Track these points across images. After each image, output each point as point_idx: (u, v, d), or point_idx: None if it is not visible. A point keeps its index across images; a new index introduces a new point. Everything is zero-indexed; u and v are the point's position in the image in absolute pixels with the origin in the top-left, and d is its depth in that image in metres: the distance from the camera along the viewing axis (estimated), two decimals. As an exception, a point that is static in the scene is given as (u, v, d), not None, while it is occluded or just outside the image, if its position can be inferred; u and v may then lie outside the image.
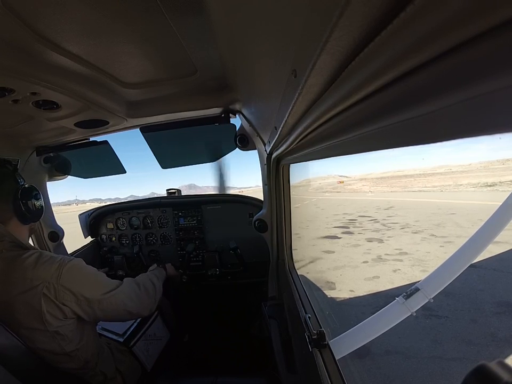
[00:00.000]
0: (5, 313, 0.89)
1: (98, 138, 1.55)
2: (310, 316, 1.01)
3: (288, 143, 0.79)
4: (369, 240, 6.73)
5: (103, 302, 0.99)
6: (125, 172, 1.78)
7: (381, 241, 6.53)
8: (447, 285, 1.45)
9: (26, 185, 1.07)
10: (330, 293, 3.89)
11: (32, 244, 1.29)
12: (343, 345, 1.49)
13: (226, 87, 1.15)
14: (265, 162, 1.38)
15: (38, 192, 1.12)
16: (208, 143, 1.64)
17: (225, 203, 1.95)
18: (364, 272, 4.57)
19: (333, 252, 5.91)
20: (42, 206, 1.13)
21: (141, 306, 1.12)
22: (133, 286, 1.14)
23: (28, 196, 1.05)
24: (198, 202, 1.97)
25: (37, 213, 1.10)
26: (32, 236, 1.74)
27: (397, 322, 1.51)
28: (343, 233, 7.90)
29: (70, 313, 0.95)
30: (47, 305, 0.90)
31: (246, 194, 2.12)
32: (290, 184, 1.45)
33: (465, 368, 2.27)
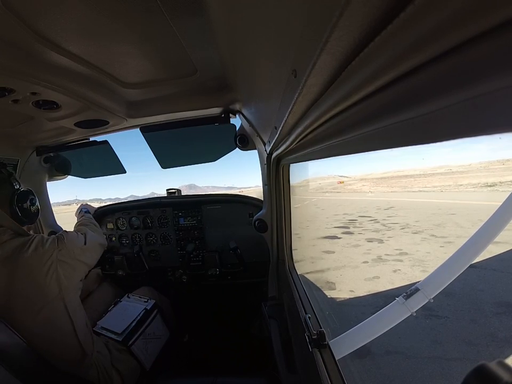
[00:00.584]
0: (14, 302, 0.94)
1: (98, 138, 1.55)
2: (310, 316, 1.01)
3: (288, 143, 0.79)
4: (369, 240, 6.73)
5: (90, 243, 1.28)
6: (125, 172, 1.79)
7: (381, 241, 6.53)
8: (447, 285, 1.45)
9: (22, 190, 1.10)
10: (330, 293, 3.89)
11: None
12: (343, 345, 1.49)
13: (226, 87, 1.15)
14: (265, 162, 1.38)
15: (34, 196, 1.16)
16: (208, 143, 1.64)
17: (225, 203, 1.94)
18: (364, 272, 4.57)
19: (333, 252, 5.91)
20: (38, 210, 1.18)
21: (102, 239, 1.51)
22: (88, 230, 1.41)
23: (23, 200, 1.09)
24: (198, 202, 1.97)
25: (33, 216, 1.15)
26: None
27: (397, 323, 1.51)
28: (343, 233, 7.89)
29: (80, 268, 1.18)
30: (63, 268, 1.07)
31: (246, 194, 2.12)
32: (290, 184, 1.45)
33: (465, 368, 2.27)
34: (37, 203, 1.18)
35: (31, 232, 1.24)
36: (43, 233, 1.77)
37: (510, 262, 4.20)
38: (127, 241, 2.07)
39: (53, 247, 1.06)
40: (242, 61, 0.72)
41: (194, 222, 1.96)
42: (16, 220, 1.06)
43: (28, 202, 1.11)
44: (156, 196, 2.35)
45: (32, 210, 1.14)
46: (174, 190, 2.16)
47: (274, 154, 1.21)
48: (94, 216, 2.05)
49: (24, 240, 1.03)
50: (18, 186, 1.11)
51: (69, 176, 1.84)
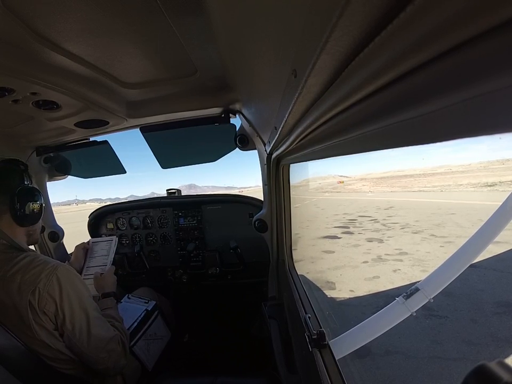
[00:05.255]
0: (2, 314, 0.89)
1: (98, 138, 1.55)
2: (310, 316, 1.01)
3: (288, 143, 0.79)
4: (369, 240, 6.73)
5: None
6: (125, 172, 1.78)
7: (381, 241, 6.53)
8: (447, 285, 1.45)
9: (30, 186, 1.05)
10: (330, 293, 3.89)
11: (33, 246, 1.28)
12: (343, 345, 1.49)
13: (226, 87, 1.15)
14: (265, 162, 1.38)
15: (40, 195, 1.08)
16: (208, 143, 1.64)
17: (225, 203, 1.95)
18: (364, 272, 4.57)
19: (333, 252, 5.91)
20: (39, 211, 1.07)
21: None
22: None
23: (27, 194, 1.03)
24: (198, 202, 1.97)
25: (32, 215, 1.04)
26: None
27: (397, 323, 1.51)
28: (343, 233, 7.90)
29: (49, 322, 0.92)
30: (33, 314, 0.88)
31: (246, 194, 2.12)
32: (290, 184, 1.45)
33: (465, 368, 2.27)
34: (40, 203, 1.08)
35: (33, 234, 1.14)
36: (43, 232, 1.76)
37: (510, 262, 4.20)
38: (127, 241, 2.07)
39: (31, 280, 0.88)
40: (242, 61, 0.72)
41: (194, 222, 1.97)
42: (13, 213, 0.97)
43: (31, 199, 1.03)
44: (156, 196, 2.36)
45: (32, 207, 1.03)
46: (174, 190, 2.16)
47: (274, 155, 1.21)
48: (94, 217, 2.06)
49: (13, 256, 0.93)
50: (27, 183, 1.05)
51: (69, 176, 1.84)
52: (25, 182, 1.05)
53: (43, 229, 1.74)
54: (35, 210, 1.05)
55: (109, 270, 1.37)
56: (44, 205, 1.11)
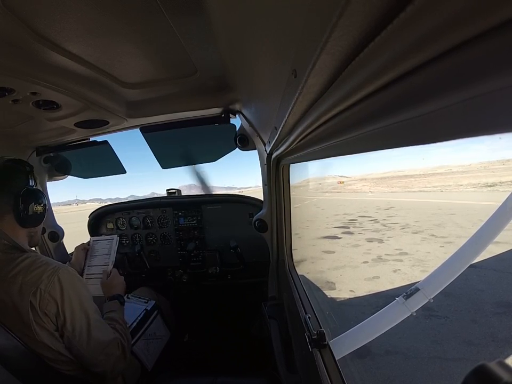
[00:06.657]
0: (2, 314, 0.89)
1: (98, 138, 1.55)
2: (310, 316, 1.01)
3: (288, 143, 0.79)
4: (369, 240, 6.73)
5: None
6: (125, 172, 1.78)
7: (381, 241, 6.53)
8: (447, 285, 1.45)
9: (34, 188, 1.05)
10: (330, 293, 3.89)
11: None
12: (343, 345, 1.49)
13: (226, 87, 1.15)
14: (265, 162, 1.38)
15: (43, 197, 1.08)
16: (208, 143, 1.64)
17: (225, 203, 1.95)
18: (364, 272, 4.57)
19: (333, 252, 5.91)
20: (42, 212, 1.08)
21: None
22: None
23: (31, 196, 1.02)
24: (198, 202, 1.97)
25: (34, 216, 1.04)
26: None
27: (397, 323, 1.51)
28: (343, 233, 7.90)
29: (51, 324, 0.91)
30: (34, 315, 0.88)
31: (246, 194, 2.12)
32: (290, 184, 1.45)
33: (465, 369, 2.27)
34: (44, 205, 1.08)
35: (35, 235, 1.13)
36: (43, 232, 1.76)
37: (510, 262, 4.20)
38: (127, 241, 2.07)
39: (33, 281, 0.89)
40: (242, 61, 0.72)
41: (194, 222, 1.97)
42: (16, 213, 0.97)
43: (35, 200, 1.03)
44: (156, 196, 2.35)
45: (35, 209, 1.03)
46: (174, 190, 2.16)
47: (274, 155, 1.21)
48: (94, 217, 2.06)
49: (14, 256, 0.93)
50: (32, 184, 1.05)
51: (69, 176, 1.84)
52: (30, 183, 1.05)
53: (44, 230, 1.74)
54: (38, 212, 1.05)
55: (112, 273, 1.38)
56: (47, 207, 1.12)
